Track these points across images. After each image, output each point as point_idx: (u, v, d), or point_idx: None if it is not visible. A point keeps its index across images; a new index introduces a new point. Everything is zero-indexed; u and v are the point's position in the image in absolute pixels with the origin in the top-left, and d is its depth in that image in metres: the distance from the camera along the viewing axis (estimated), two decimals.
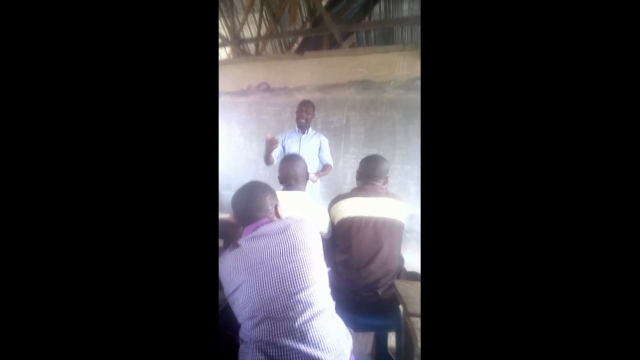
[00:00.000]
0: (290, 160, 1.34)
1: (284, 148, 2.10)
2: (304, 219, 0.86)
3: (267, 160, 1.96)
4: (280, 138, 2.09)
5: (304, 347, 0.66)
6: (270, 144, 1.77)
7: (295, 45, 3.85)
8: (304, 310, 0.70)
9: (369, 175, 1.31)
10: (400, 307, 0.95)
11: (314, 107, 2.15)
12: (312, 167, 1.99)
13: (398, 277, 1.21)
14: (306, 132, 2.11)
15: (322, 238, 1.11)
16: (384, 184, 1.32)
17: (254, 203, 0.86)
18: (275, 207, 0.90)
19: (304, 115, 2.07)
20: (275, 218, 0.87)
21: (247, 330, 0.71)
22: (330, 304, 0.78)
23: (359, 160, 1.41)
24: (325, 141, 2.13)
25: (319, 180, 2.07)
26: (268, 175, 3.02)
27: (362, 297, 1.18)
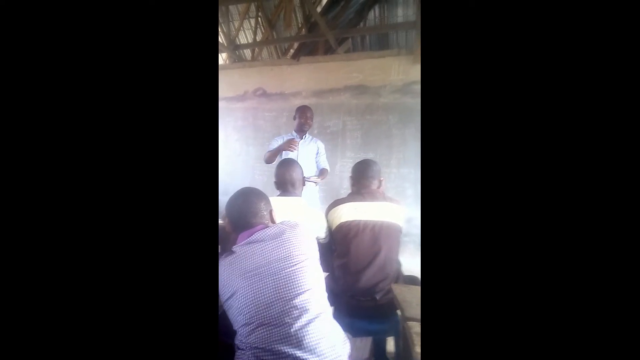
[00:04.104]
0: (286, 166, 1.34)
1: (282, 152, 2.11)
2: (297, 224, 0.86)
3: (272, 158, 2.01)
4: (279, 141, 2.09)
5: (300, 353, 0.66)
6: (290, 145, 1.90)
7: (291, 51, 3.88)
8: (299, 316, 0.69)
9: (362, 177, 1.31)
10: (398, 311, 0.94)
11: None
12: (310, 172, 2.01)
13: (396, 282, 1.21)
14: (304, 137, 2.12)
15: (319, 243, 1.10)
16: (378, 187, 1.31)
17: (248, 210, 0.85)
18: (270, 212, 0.89)
19: (309, 122, 2.11)
20: (270, 224, 0.87)
21: (243, 337, 0.70)
22: (327, 309, 0.78)
23: None
24: (322, 146, 2.17)
25: (317, 185, 2.07)
26: (265, 181, 3.02)
27: (360, 301, 1.17)
